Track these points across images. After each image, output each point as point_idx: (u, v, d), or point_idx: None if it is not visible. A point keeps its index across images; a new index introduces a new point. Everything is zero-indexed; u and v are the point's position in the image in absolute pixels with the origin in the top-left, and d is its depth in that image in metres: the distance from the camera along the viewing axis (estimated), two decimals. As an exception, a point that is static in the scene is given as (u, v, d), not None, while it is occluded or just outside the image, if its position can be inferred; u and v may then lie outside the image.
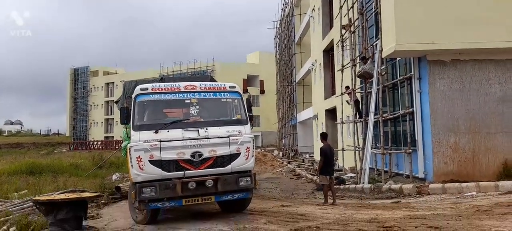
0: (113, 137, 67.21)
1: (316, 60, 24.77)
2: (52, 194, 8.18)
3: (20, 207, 9.12)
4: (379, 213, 7.26)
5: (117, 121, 67.93)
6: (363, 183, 11.79)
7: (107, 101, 72.51)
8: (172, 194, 7.21)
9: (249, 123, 8.06)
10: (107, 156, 23.63)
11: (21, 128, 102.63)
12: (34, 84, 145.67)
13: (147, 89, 7.85)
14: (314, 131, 26.34)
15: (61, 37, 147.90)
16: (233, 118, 8.14)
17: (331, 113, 21.57)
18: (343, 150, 15.88)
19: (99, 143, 56.93)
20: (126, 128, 8.18)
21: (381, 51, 11.92)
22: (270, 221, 7.27)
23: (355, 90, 14.79)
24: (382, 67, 12.71)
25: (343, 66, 16.16)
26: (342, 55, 16.78)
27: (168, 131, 7.45)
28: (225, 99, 8.28)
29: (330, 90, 22.34)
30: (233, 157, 7.59)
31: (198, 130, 7.51)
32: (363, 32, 13.94)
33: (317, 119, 24.82)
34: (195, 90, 8.03)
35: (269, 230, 6.29)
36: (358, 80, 14.93)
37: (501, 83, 10.99)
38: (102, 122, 73.48)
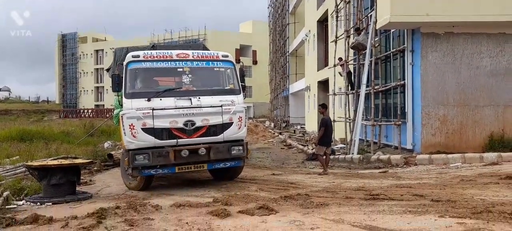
0: (103, 105, 66.69)
1: (310, 31, 24.54)
2: (45, 160, 8.18)
3: (12, 173, 9.14)
4: (366, 182, 7.46)
5: (107, 89, 67.27)
6: (353, 153, 12.03)
7: (97, 69, 71.38)
8: (165, 161, 7.27)
9: (242, 92, 8.06)
10: (98, 124, 23.52)
11: (9, 94, 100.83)
12: (22, 50, 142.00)
13: (138, 56, 7.74)
14: (306, 103, 26.46)
15: (46, 1, 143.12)
16: (226, 88, 8.11)
17: (324, 85, 21.62)
18: (334, 121, 16.03)
19: (90, 111, 56.47)
20: (118, 96, 8.12)
21: (375, 22, 11.86)
22: (261, 188, 7.43)
23: (348, 62, 14.80)
24: (375, 39, 12.69)
25: (336, 37, 16.08)
26: (336, 26, 16.66)
27: (160, 99, 7.42)
28: (218, 69, 8.21)
29: (323, 61, 22.28)
30: (225, 126, 7.63)
31: (190, 99, 7.51)
32: (358, 3, 13.80)
33: (310, 90, 24.88)
34: (187, 58, 7.94)
35: (259, 197, 6.44)
36: (351, 51, 14.92)
37: (492, 57, 11.10)
38: (92, 90, 72.62)
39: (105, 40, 72.14)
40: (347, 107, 14.79)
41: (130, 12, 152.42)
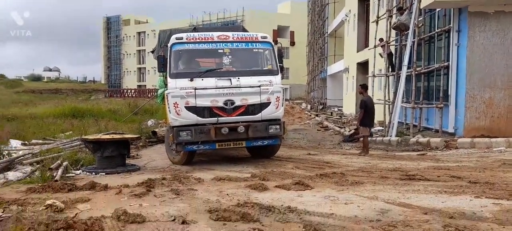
0: (145, 85, 69.19)
1: (350, 11, 23.94)
2: (98, 135, 8.90)
3: (69, 146, 10.02)
4: (403, 163, 7.47)
5: (148, 70, 69.76)
6: (391, 136, 11.89)
7: (139, 51, 73.88)
8: (206, 138, 7.66)
9: (279, 73, 8.23)
10: (141, 104, 24.70)
11: (59, 74, 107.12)
12: (70, 33, 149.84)
13: (182, 38, 8.10)
14: (344, 85, 26.08)
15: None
16: (264, 68, 8.32)
17: (363, 66, 21.19)
18: (372, 103, 15.80)
19: (133, 91, 58.92)
20: (162, 76, 8.58)
21: (419, 1, 11.46)
22: (297, 166, 7.67)
23: (389, 43, 14.43)
24: (419, 19, 12.27)
25: (378, 17, 15.65)
26: (378, 5, 16.18)
27: (202, 79, 7.77)
28: (256, 50, 8.43)
29: (363, 42, 21.76)
30: (263, 105, 7.88)
31: (230, 79, 7.80)
32: (401, -19, 13.33)
33: (348, 72, 24.47)
34: (228, 40, 8.20)
35: (295, 174, 6.68)
36: (392, 32, 14.49)
37: (547, 37, 10.41)
38: (134, 71, 75.45)
39: (147, 22, 74.27)
40: (386, 89, 14.51)
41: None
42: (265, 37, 8.43)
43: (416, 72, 12.22)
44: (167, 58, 7.99)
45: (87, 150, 8.70)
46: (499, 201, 4.33)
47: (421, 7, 11.45)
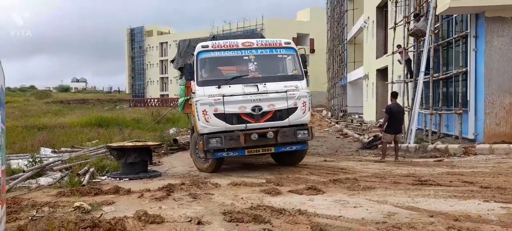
0: (168, 95, 70.70)
1: (369, 17, 23.92)
2: (122, 143, 9.37)
3: (95, 153, 10.56)
4: (418, 169, 7.51)
5: (171, 80, 71.27)
6: (409, 142, 11.84)
7: (162, 61, 75.69)
8: (236, 144, 7.65)
9: (305, 78, 8.25)
10: (164, 112, 25.41)
11: (86, 85, 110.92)
12: (96, 44, 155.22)
13: (208, 46, 8.15)
14: (364, 91, 25.95)
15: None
16: (289, 74, 8.35)
17: (382, 73, 21.08)
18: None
19: (156, 100, 60.34)
20: (184, 85, 8.79)
21: (435, 8, 11.46)
22: (311, 172, 7.84)
23: (407, 49, 14.41)
24: (436, 25, 12.24)
25: (396, 23, 15.66)
26: (396, 12, 16.19)
27: (229, 86, 7.79)
28: (281, 55, 8.49)
29: (382, 49, 21.67)
30: (290, 110, 7.86)
31: (257, 85, 7.80)
32: (418, -12, 13.34)
33: (368, 78, 24.36)
34: (252, 47, 8.22)
35: (309, 180, 6.86)
36: (411, 39, 14.47)
37: None
38: (157, 80, 77.30)
39: (169, 33, 76.12)
40: (405, 95, 14.45)
41: (191, 6, 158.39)
42: (289, 43, 8.49)
43: (434, 78, 12.16)
44: (194, 67, 8.04)
45: (111, 157, 9.16)
46: (507, 205, 4.39)
47: (437, 13, 11.45)
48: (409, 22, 14.17)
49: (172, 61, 13.41)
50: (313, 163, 9.47)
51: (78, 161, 9.01)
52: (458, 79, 11.77)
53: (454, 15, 11.94)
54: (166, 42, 74.41)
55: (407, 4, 14.55)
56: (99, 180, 7.89)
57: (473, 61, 10.94)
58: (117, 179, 8.01)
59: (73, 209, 5.10)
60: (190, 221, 4.51)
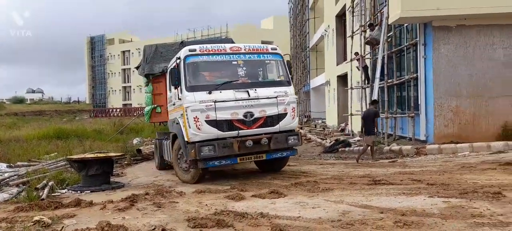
0: (131, 104, 69.04)
1: (329, 26, 24.82)
2: (82, 154, 9.17)
3: (54, 166, 10.22)
4: (373, 170, 7.97)
5: (134, 89, 69.64)
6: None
7: (124, 69, 73.86)
8: (229, 152, 7.41)
9: (291, 84, 8.31)
10: (127, 122, 24.86)
11: (42, 95, 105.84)
12: (54, 54, 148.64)
13: (195, 50, 7.81)
14: (326, 97, 26.78)
15: (76, 5, 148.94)
16: (276, 79, 8.31)
17: (343, 79, 21.91)
18: (351, 115, 16.46)
19: (118, 110, 58.69)
20: (152, 93, 8.59)
21: (387, 17, 12.20)
22: (274, 177, 8.09)
23: (363, 57, 15.16)
24: (389, 34, 13.00)
25: (353, 32, 16.42)
26: (353, 21, 16.98)
27: (220, 92, 7.55)
28: (268, 61, 8.42)
29: (342, 56, 22.56)
30: (281, 116, 7.80)
31: (248, 91, 7.64)
32: (372, -1, 14.12)
33: (330, 85, 25.19)
34: (240, 51, 8.03)
35: (272, 184, 7.10)
36: (367, 46, 15.24)
37: (505, 48, 11.22)
38: (119, 90, 75.27)
39: (131, 41, 74.52)
40: (363, 101, 15.16)
41: (155, 14, 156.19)
42: (275, 49, 8.47)
43: (388, 84, 12.89)
44: (181, 71, 7.66)
45: (72, 169, 8.94)
46: (448, 199, 4.83)
47: (390, 22, 12.19)
48: (365, 31, 14.94)
49: (137, 67, 13.21)
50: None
51: (36, 175, 8.70)
52: (410, 84, 12.56)
53: (405, 25, 12.76)
54: (129, 51, 72.76)
55: (363, 13, 15.34)
56: (59, 194, 7.69)
57: (422, 67, 11.73)
58: (78, 192, 7.85)
59: (32, 224, 4.98)
60: (154, 229, 4.57)
